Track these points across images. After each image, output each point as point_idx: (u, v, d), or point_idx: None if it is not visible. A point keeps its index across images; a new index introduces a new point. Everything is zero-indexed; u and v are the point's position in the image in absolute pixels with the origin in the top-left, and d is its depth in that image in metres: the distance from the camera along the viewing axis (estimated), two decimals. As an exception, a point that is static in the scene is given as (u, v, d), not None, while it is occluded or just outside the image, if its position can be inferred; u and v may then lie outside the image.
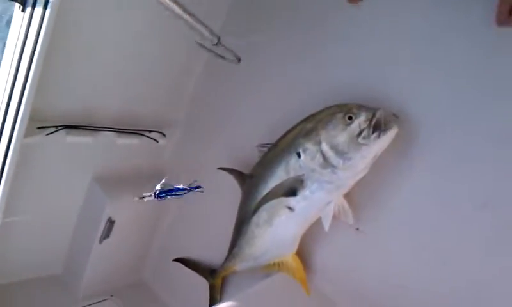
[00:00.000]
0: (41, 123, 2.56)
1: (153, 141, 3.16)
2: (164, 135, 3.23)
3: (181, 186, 2.40)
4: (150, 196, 2.35)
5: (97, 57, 2.69)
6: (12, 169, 2.31)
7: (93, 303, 3.14)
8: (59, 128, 2.65)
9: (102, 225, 3.02)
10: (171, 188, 2.40)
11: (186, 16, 2.18)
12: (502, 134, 2.14)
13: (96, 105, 2.88)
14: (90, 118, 2.85)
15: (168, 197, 2.38)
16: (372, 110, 2.24)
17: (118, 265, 3.34)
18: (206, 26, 2.32)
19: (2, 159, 2.28)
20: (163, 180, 2.35)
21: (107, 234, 3.06)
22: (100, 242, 3.06)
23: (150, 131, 3.16)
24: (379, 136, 2.22)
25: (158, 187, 2.36)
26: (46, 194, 2.84)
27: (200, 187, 2.44)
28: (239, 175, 2.84)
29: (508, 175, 2.10)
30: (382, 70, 2.52)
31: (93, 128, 2.85)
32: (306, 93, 2.78)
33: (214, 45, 2.45)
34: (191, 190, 2.41)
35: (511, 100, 2.13)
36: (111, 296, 3.24)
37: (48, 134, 2.58)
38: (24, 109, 2.20)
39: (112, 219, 3.04)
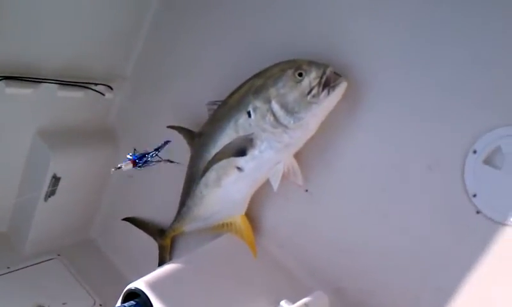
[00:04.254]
0: (-22, 75, 2.42)
1: (99, 94, 3.02)
2: (111, 88, 3.09)
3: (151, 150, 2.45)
4: (128, 164, 2.32)
5: (40, 3, 2.55)
6: None
7: (39, 262, 3.06)
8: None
9: (47, 182, 2.91)
10: (144, 153, 2.43)
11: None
12: (450, 88, 2.13)
13: (38, 56, 2.73)
14: (32, 70, 2.70)
15: (147, 165, 2.36)
16: (322, 67, 2.20)
17: (65, 223, 3.24)
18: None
19: None
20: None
21: (52, 191, 2.96)
22: (46, 199, 2.96)
23: (97, 84, 3.01)
24: (328, 93, 2.18)
25: (129, 156, 2.37)
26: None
27: (168, 141, 2.52)
28: (187, 133, 2.75)
29: (454, 136, 2.11)
30: (327, 23, 2.49)
31: (35, 80, 2.70)
32: (255, 48, 2.70)
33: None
34: (163, 146, 2.49)
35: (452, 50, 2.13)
36: (58, 255, 3.16)
37: (-15, 85, 2.44)
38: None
39: (58, 175, 2.93)
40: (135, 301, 2.02)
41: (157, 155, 2.47)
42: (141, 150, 2.50)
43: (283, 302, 2.11)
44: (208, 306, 2.14)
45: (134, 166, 2.35)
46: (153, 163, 2.47)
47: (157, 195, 3.14)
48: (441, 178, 2.12)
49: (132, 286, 2.06)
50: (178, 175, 2.77)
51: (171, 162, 2.61)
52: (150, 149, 2.54)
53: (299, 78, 2.21)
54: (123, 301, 2.07)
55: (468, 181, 2.04)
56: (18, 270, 2.93)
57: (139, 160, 2.37)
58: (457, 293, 2.08)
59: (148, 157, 2.39)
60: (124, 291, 2.10)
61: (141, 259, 3.04)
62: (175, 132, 2.76)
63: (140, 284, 2.05)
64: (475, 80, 2.07)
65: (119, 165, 2.31)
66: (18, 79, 2.62)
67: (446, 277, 2.11)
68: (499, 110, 2.01)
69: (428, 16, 2.20)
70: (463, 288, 2.06)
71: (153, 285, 2.06)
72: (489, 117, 2.02)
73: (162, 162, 2.52)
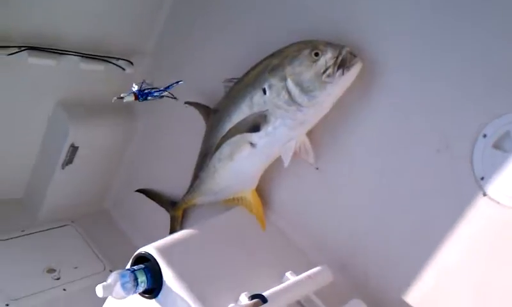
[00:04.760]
0: (3, 43, 2.46)
1: (120, 69, 3.07)
2: (132, 63, 3.14)
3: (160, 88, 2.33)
4: (130, 95, 2.25)
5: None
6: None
7: (53, 228, 3.13)
8: (22, 49, 2.55)
9: (65, 150, 2.97)
10: (152, 88, 2.32)
11: None
12: (463, 72, 2.16)
13: (62, 28, 2.77)
14: (55, 41, 2.75)
15: (149, 98, 2.29)
16: (339, 47, 2.23)
17: (80, 192, 3.32)
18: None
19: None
20: (141, 83, 2.26)
21: (69, 160, 3.03)
22: (63, 167, 3.03)
23: (118, 58, 3.06)
24: (343, 73, 2.22)
25: (135, 87, 2.27)
26: (8, 117, 2.79)
27: (180, 81, 2.36)
28: (204, 109, 2.80)
29: (464, 120, 2.15)
30: (345, 6, 2.52)
31: (57, 51, 2.75)
32: (273, 29, 2.74)
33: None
34: (174, 85, 2.35)
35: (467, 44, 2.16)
36: (72, 222, 3.23)
37: (9, 55, 2.48)
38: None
39: (76, 144, 2.99)
40: (144, 264, 2.03)
41: (166, 91, 2.36)
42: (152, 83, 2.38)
43: (288, 273, 2.16)
44: (216, 273, 2.16)
45: (135, 99, 2.26)
46: (156, 96, 2.33)
47: (171, 168, 3.19)
48: (450, 160, 2.15)
49: (142, 250, 2.08)
50: (192, 149, 2.84)
51: (173, 97, 2.45)
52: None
53: (315, 57, 2.25)
54: (133, 265, 2.08)
55: (476, 164, 2.07)
56: (32, 234, 3.00)
57: (145, 94, 2.29)
58: (460, 274, 2.13)
59: (153, 93, 2.29)
60: (134, 255, 2.12)
61: (153, 229, 3.07)
62: (191, 108, 2.80)
63: (150, 248, 2.07)
64: (488, 65, 2.10)
65: (121, 95, 2.24)
66: (41, 50, 2.66)
67: (450, 257, 2.15)
68: (510, 96, 2.04)
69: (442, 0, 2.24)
70: (466, 269, 2.11)
71: (162, 251, 2.07)
72: (500, 102, 2.06)
73: (164, 97, 2.39)
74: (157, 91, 2.32)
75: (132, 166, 3.46)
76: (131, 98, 2.24)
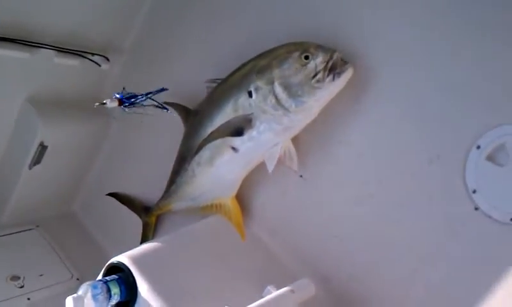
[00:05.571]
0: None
1: (95, 65, 2.95)
2: (108, 60, 3.03)
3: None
4: (113, 101, 2.19)
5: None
6: None
7: (17, 232, 2.99)
8: None
9: (33, 149, 2.83)
10: (134, 94, 2.29)
11: None
12: (458, 82, 2.11)
13: (37, 19, 2.66)
14: (29, 33, 2.63)
15: (135, 105, 2.22)
16: (330, 51, 2.17)
17: (48, 194, 3.17)
18: None
19: None
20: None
21: (38, 160, 2.88)
22: (30, 167, 2.88)
23: (93, 54, 2.94)
24: (333, 79, 2.15)
25: (115, 97, 2.22)
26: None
27: (165, 88, 2.35)
28: (183, 110, 2.69)
29: (458, 131, 2.09)
30: (336, 9, 2.46)
31: (31, 44, 2.62)
32: (261, 28, 2.67)
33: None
34: (157, 92, 2.34)
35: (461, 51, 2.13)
36: (37, 226, 3.09)
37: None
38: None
39: (45, 143, 2.85)
40: (117, 275, 1.95)
41: (149, 98, 2.34)
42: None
43: (269, 287, 2.07)
44: (193, 284, 2.08)
45: (119, 105, 2.22)
46: (143, 106, 2.33)
47: (145, 171, 3.08)
48: (441, 171, 2.10)
49: (114, 260, 2.01)
50: (168, 152, 2.73)
51: (164, 108, 2.45)
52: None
53: (305, 61, 2.18)
54: (105, 275, 2.01)
55: (469, 177, 2.02)
56: (-6, 238, 2.86)
57: (127, 100, 2.22)
58: (448, 288, 2.07)
59: (138, 99, 2.24)
60: (106, 265, 2.04)
61: (123, 236, 2.98)
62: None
63: (123, 258, 1.99)
64: (483, 76, 2.06)
65: (104, 101, 2.19)
66: (13, 41, 2.54)
67: (437, 271, 2.09)
68: (506, 107, 2.00)
69: (438, 9, 2.19)
70: (454, 284, 2.05)
71: (137, 260, 2.00)
72: (495, 113, 2.01)
73: (150, 112, 2.40)
74: (140, 96, 2.24)
75: (103, 168, 3.33)
76: (114, 104, 2.18)
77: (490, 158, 1.99)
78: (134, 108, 2.33)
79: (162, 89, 2.35)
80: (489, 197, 1.98)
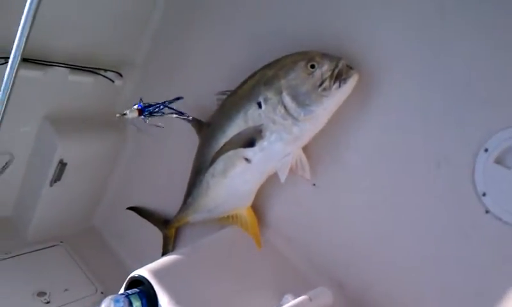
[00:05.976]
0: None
1: (109, 81, 3.01)
2: (121, 75, 3.08)
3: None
4: (133, 111, 2.23)
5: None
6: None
7: (42, 248, 3.05)
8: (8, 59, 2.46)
9: (53, 167, 2.89)
10: (152, 104, 2.32)
11: None
12: (464, 85, 2.09)
13: (50, 39, 2.69)
14: (43, 52, 2.67)
15: (154, 114, 2.26)
16: (335, 60, 2.18)
17: (69, 209, 3.23)
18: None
19: None
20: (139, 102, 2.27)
21: (58, 177, 2.94)
22: (51, 184, 2.95)
23: (106, 70, 3.00)
24: (339, 86, 2.16)
25: (135, 107, 2.26)
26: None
27: (180, 97, 2.39)
28: (196, 123, 2.71)
29: (465, 134, 2.08)
30: (341, 16, 2.47)
31: (45, 63, 2.68)
32: (267, 39, 2.67)
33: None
34: (174, 101, 2.37)
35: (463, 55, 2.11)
36: (61, 242, 3.15)
37: (-5, 66, 2.38)
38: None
39: (64, 161, 2.91)
40: (138, 289, 1.99)
41: (167, 107, 2.38)
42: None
43: (287, 296, 2.08)
44: (213, 295, 2.11)
45: (139, 115, 2.25)
46: (163, 114, 2.37)
47: (163, 185, 3.11)
48: (450, 175, 2.09)
49: (135, 273, 2.04)
50: (185, 166, 2.75)
51: (182, 116, 2.50)
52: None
53: (311, 70, 2.20)
54: (126, 289, 2.04)
55: (478, 180, 2.00)
56: (20, 255, 2.92)
57: (149, 110, 2.26)
58: (460, 293, 2.06)
59: (157, 107, 2.28)
60: (127, 278, 2.07)
61: (144, 249, 3.01)
62: (184, 121, 2.70)
63: (144, 272, 2.03)
64: (490, 78, 2.04)
65: (124, 112, 2.22)
66: (28, 61, 2.58)
67: (450, 276, 2.08)
68: (514, 109, 1.99)
69: (444, 11, 2.17)
70: (467, 288, 2.04)
71: (157, 273, 2.03)
72: (503, 116, 1.99)
73: (170, 118, 2.43)
74: (158, 106, 2.28)
75: (122, 182, 3.37)
76: (135, 114, 2.22)
77: (498, 161, 1.97)
78: (153, 118, 2.39)
79: (178, 98, 2.39)
80: (499, 200, 1.96)
